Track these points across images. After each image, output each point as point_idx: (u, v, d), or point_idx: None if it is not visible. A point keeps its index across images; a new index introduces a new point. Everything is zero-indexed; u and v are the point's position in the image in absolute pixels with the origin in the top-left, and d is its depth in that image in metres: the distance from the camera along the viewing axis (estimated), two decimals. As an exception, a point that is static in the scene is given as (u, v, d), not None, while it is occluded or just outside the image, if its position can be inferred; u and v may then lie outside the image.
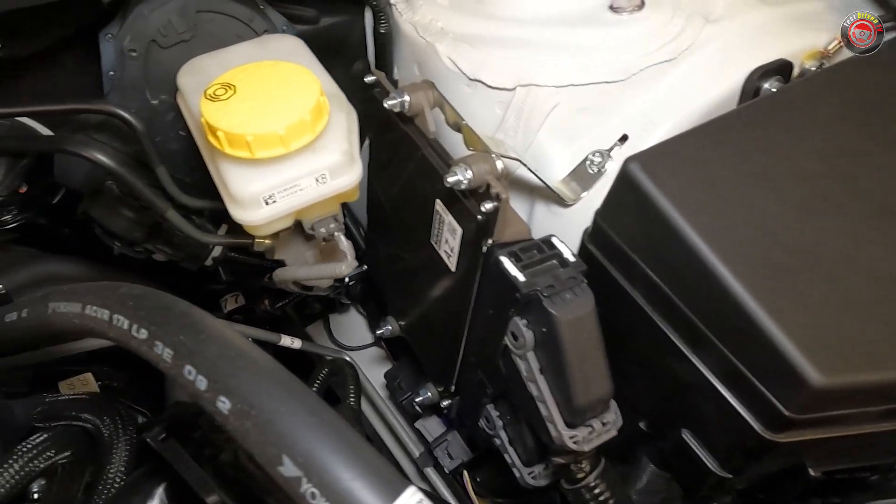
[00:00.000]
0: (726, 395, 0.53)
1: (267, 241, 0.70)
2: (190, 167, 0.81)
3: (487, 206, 0.56)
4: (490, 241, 0.58)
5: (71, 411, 0.65)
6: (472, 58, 0.70)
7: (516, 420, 0.68)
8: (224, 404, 0.37)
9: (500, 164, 0.56)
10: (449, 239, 0.64)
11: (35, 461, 0.51)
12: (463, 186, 0.56)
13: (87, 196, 0.70)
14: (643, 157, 0.54)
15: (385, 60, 0.80)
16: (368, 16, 1.00)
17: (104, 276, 0.93)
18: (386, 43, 0.78)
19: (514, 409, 0.68)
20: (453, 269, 0.66)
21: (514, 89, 0.69)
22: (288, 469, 0.34)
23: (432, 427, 0.95)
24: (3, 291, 0.87)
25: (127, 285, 0.51)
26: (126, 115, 0.64)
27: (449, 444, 0.88)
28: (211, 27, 0.73)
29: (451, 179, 0.55)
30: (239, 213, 0.58)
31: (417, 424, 0.95)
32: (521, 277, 0.55)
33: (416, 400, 0.84)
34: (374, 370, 1.06)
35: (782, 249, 0.50)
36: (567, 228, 0.65)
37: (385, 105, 0.63)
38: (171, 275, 0.97)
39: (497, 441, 0.70)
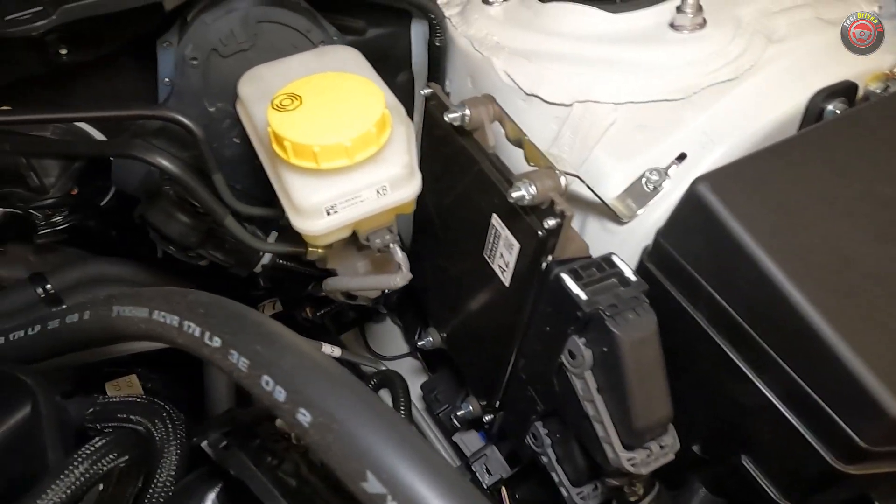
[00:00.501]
0: (793, 421, 0.52)
1: (319, 251, 0.70)
2: (241, 174, 0.81)
3: (550, 222, 0.55)
4: (550, 258, 0.58)
5: (123, 413, 0.65)
6: (529, 73, 0.70)
7: (566, 438, 0.67)
8: (304, 417, 0.37)
9: (563, 181, 0.56)
10: (504, 254, 0.64)
11: (98, 464, 0.51)
12: (526, 202, 0.55)
13: (144, 201, 0.71)
14: (712, 178, 0.53)
15: (438, 73, 0.80)
16: (415, 28, 1.02)
17: (150, 279, 0.94)
18: (440, 56, 0.79)
19: (564, 427, 0.67)
20: (507, 283, 0.65)
21: (571, 105, 0.68)
22: (372, 486, 0.33)
23: (470, 441, 0.94)
24: (53, 291, 0.88)
25: (194, 292, 0.51)
26: (188, 123, 0.65)
27: (488, 458, 0.88)
28: (270, 37, 0.74)
29: (514, 195, 0.55)
30: (300, 223, 0.58)
31: (455, 438, 0.95)
32: (582, 296, 0.55)
33: (458, 414, 0.84)
34: (409, 381, 1.06)
35: (858, 275, 0.49)
36: (621, 245, 0.65)
37: (445, 118, 0.63)
38: (212, 278, 0.98)
39: (544, 459, 0.69)
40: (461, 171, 0.67)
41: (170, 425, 0.63)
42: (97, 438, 0.54)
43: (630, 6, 0.70)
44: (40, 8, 0.59)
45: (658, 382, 0.55)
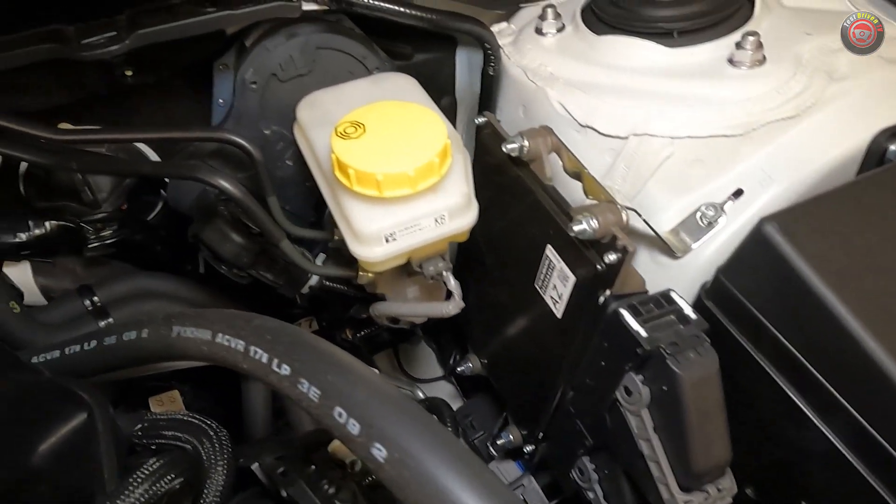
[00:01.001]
0: (860, 468, 0.51)
1: (370, 275, 0.70)
2: (291, 196, 0.82)
3: (611, 257, 0.55)
4: (608, 293, 0.58)
5: (171, 431, 0.66)
6: (583, 104, 0.70)
7: (615, 475, 0.66)
8: (379, 452, 0.36)
9: (625, 216, 0.56)
10: (558, 285, 0.64)
11: (156, 486, 0.51)
12: (587, 236, 0.55)
13: (198, 220, 0.72)
14: (780, 219, 0.52)
15: (489, 101, 0.81)
16: (460, 54, 1.03)
17: (194, 294, 0.95)
18: (493, 84, 0.79)
19: (613, 463, 0.66)
20: (559, 315, 0.65)
21: (626, 138, 0.68)
22: (452, 525, 0.33)
23: (507, 470, 0.93)
24: (100, 304, 0.89)
25: (259, 317, 0.51)
26: (248, 146, 0.66)
27: (525, 489, 0.87)
28: (327, 63, 0.76)
29: (576, 228, 0.55)
30: (359, 249, 0.59)
31: (491, 466, 0.94)
32: (643, 333, 0.54)
33: (497, 442, 0.83)
34: (443, 405, 1.05)
35: (932, 322, 0.48)
36: (673, 280, 0.64)
37: (503, 148, 0.64)
38: (253, 295, 0.99)
39: (590, 495, 0.68)
40: (514, 200, 0.68)
41: (217, 445, 0.63)
42: (153, 459, 0.55)
43: (688, 41, 0.70)
44: (114, 33, 0.60)
45: (718, 424, 0.54)
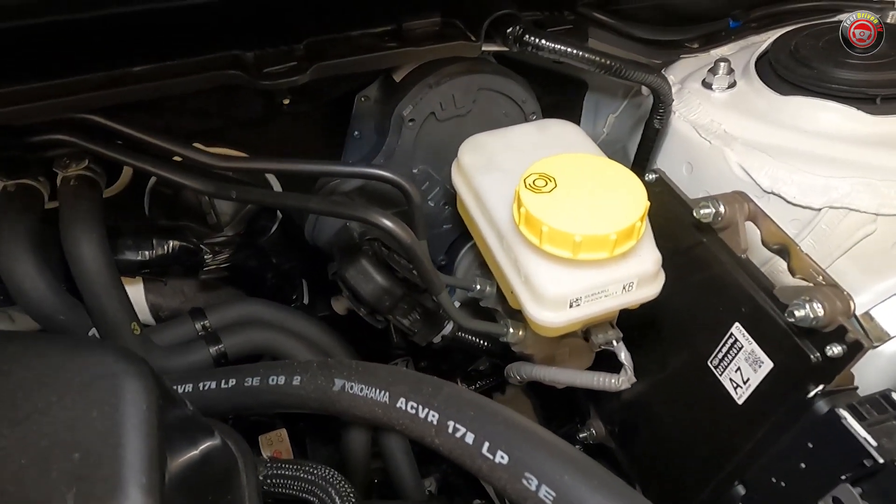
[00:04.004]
0: None
1: (520, 333, 0.65)
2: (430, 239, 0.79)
3: (835, 349, 0.49)
4: (821, 388, 0.51)
5: (299, 482, 0.61)
6: (769, 170, 0.65)
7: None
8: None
9: (852, 304, 0.49)
10: (744, 369, 0.57)
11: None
12: (807, 323, 0.49)
13: (340, 259, 0.68)
14: None
15: (648, 155, 0.76)
16: (588, 99, 0.99)
17: (305, 328, 0.91)
18: (655, 138, 0.74)
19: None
20: (739, 401, 0.58)
21: (820, 209, 0.62)
22: None
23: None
24: (211, 329, 0.87)
25: (447, 384, 0.46)
26: (407, 187, 0.62)
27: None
28: (485, 105, 0.72)
29: (798, 314, 0.49)
30: (537, 312, 0.54)
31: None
32: (871, 441, 0.47)
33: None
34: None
35: None
36: (858, 369, 0.57)
37: (695, 213, 0.58)
38: (352, 332, 0.96)
39: None
40: (693, 268, 0.62)
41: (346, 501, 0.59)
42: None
43: (893, 108, 0.64)
44: (295, 63, 0.58)
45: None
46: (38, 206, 0.71)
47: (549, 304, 0.53)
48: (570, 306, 0.53)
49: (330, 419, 0.93)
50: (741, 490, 0.61)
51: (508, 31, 0.61)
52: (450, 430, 0.41)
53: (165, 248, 0.85)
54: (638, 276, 0.54)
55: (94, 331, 0.74)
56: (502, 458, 0.38)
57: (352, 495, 0.60)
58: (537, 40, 0.60)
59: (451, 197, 0.79)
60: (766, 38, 0.79)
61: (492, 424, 0.40)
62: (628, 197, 0.52)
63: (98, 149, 0.60)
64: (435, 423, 0.42)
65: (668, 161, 0.76)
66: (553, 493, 0.35)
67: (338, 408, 0.52)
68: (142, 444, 0.36)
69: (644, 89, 0.79)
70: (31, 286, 0.69)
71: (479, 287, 0.71)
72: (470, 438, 0.40)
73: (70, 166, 0.70)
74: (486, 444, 0.39)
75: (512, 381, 0.75)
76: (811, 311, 0.49)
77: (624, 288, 0.54)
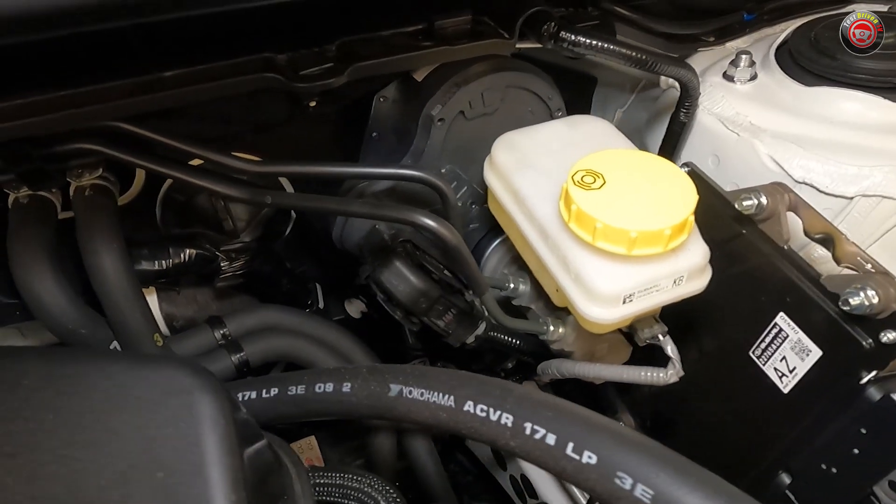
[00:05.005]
0: None
1: (561, 331, 0.65)
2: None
3: (890, 335, 0.49)
4: (874, 374, 0.51)
5: (347, 492, 0.60)
6: (801, 160, 0.65)
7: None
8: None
9: (903, 291, 0.50)
10: (790, 358, 0.58)
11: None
12: (861, 311, 0.50)
13: (373, 261, 0.67)
14: None
15: (674, 149, 0.76)
16: (597, 94, 0.99)
17: (325, 333, 0.90)
18: (680, 131, 0.75)
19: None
20: (785, 390, 0.59)
21: (853, 198, 0.63)
22: None
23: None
24: (231, 337, 0.85)
25: (514, 385, 0.46)
26: (443, 187, 0.62)
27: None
28: (512, 102, 0.72)
29: (854, 301, 0.49)
30: (591, 309, 0.53)
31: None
32: (930, 425, 0.48)
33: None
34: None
35: None
36: None
37: (737, 205, 0.58)
38: (372, 333, 0.95)
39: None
40: (731, 260, 0.62)
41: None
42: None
43: (920, 97, 0.65)
44: (332, 64, 0.57)
45: None
46: (52, 218, 0.69)
47: (602, 300, 0.53)
48: (623, 302, 0.53)
49: (339, 422, 0.92)
50: (786, 479, 0.62)
51: (543, 28, 0.60)
52: (527, 431, 0.41)
53: (182, 256, 0.83)
54: (688, 270, 0.54)
55: (115, 343, 0.72)
56: (590, 458, 0.37)
57: (399, 500, 0.59)
58: (573, 37, 0.59)
59: (479, 196, 0.79)
60: (781, 31, 0.80)
61: (573, 425, 0.39)
62: (678, 191, 0.53)
63: (130, 158, 0.58)
64: (510, 424, 0.42)
65: (693, 154, 0.76)
66: (651, 492, 0.35)
67: (395, 413, 0.51)
68: (225, 461, 0.35)
69: (663, 81, 0.79)
70: (52, 301, 0.67)
71: (512, 286, 0.70)
72: (552, 440, 0.39)
73: (84, 175, 0.68)
74: (571, 445, 0.38)
75: (544, 379, 0.75)
76: (866, 298, 0.49)
77: (674, 282, 0.54)
